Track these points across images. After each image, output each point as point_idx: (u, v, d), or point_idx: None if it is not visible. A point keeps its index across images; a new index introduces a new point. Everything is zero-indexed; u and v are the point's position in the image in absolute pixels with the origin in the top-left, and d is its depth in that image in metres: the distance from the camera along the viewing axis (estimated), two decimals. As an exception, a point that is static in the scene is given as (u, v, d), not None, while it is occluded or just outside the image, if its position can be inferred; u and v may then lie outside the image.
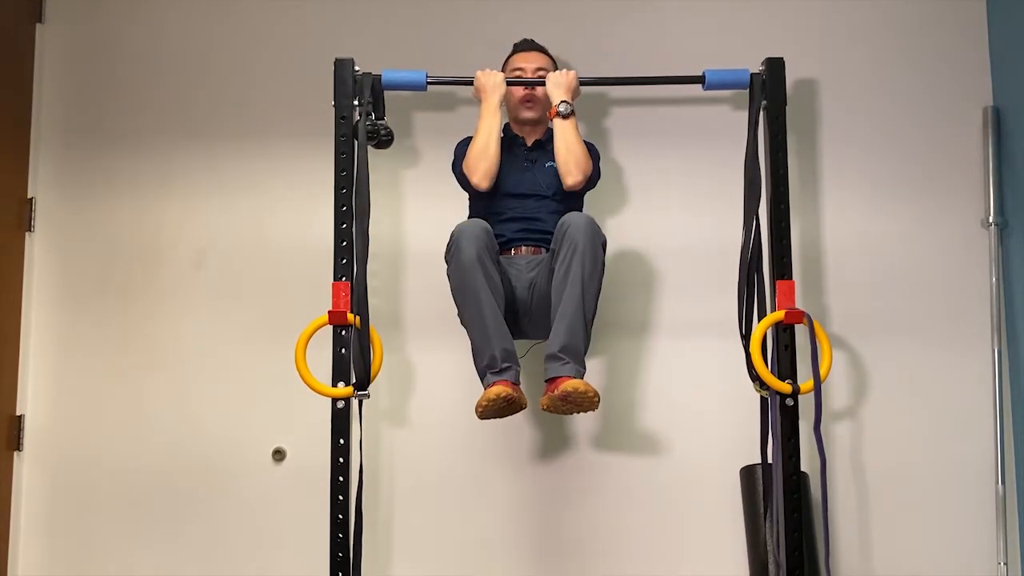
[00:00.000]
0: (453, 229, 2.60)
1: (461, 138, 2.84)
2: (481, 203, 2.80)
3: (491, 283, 2.55)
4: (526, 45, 2.89)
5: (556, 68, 2.87)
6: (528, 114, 2.82)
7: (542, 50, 2.90)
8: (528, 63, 2.83)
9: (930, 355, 3.10)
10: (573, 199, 2.81)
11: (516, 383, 2.57)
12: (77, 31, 3.32)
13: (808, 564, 2.62)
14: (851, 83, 3.21)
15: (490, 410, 2.52)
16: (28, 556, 3.13)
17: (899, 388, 3.09)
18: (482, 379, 2.59)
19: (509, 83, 2.77)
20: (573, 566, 3.06)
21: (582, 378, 2.52)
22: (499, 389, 2.49)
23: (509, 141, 2.82)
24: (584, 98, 2.89)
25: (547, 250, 2.71)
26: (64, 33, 3.32)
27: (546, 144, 2.81)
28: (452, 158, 2.85)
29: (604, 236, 2.61)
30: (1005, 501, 2.96)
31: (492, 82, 2.75)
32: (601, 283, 2.58)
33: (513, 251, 2.74)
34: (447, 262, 2.61)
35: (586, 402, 2.51)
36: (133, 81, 3.29)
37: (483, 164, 2.68)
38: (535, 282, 2.69)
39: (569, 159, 2.67)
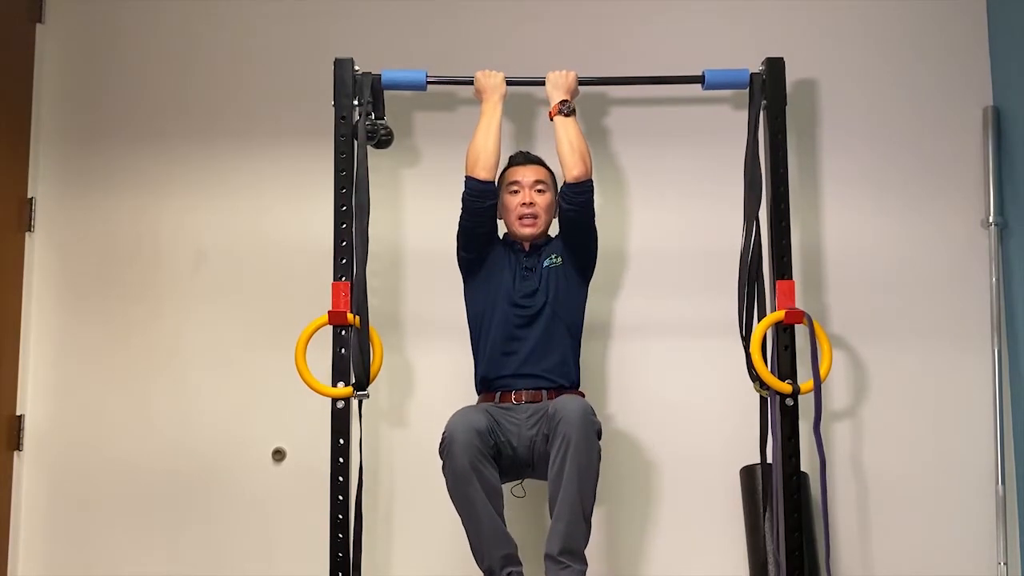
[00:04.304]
0: (446, 425, 2.51)
1: (461, 138, 2.83)
2: (480, 307, 2.74)
3: (487, 487, 2.47)
4: (522, 158, 2.83)
5: (553, 179, 2.81)
6: (527, 231, 2.74)
7: (538, 162, 2.83)
8: (525, 176, 2.77)
9: (930, 355, 3.10)
10: (572, 296, 2.74)
11: None
12: (77, 31, 3.32)
13: (808, 564, 2.62)
14: (851, 83, 3.20)
15: None
16: (28, 556, 3.13)
17: (899, 388, 3.09)
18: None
19: (509, 83, 2.76)
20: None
21: None
22: None
23: (507, 247, 2.78)
24: (584, 98, 2.89)
25: (547, 391, 2.64)
26: (64, 33, 3.32)
27: (543, 247, 2.76)
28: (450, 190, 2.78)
29: (598, 423, 2.52)
30: (1005, 501, 2.96)
31: (492, 82, 2.74)
32: (598, 474, 2.49)
33: (513, 396, 2.66)
34: (441, 457, 2.52)
35: None
36: (133, 81, 3.29)
37: (482, 159, 2.65)
38: (534, 441, 2.59)
39: (573, 152, 2.64)
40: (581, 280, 2.77)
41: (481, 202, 2.67)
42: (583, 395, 2.73)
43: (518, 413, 2.63)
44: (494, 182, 2.69)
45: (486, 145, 2.66)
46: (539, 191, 2.75)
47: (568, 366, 2.71)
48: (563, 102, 2.70)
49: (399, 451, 3.12)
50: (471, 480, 2.45)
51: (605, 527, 3.05)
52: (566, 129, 2.67)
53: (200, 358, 3.17)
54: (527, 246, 2.77)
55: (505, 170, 2.81)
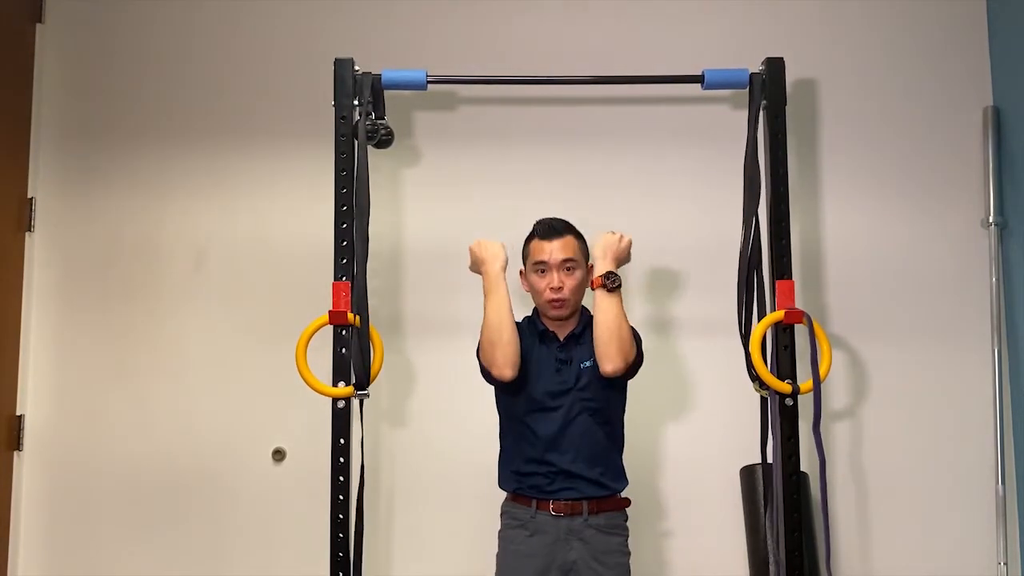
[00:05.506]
0: None
1: (461, 138, 2.83)
2: (511, 403, 2.56)
3: None
4: (545, 230, 2.52)
5: (584, 248, 2.58)
6: (557, 312, 2.52)
7: (564, 231, 2.53)
8: (552, 255, 2.50)
9: (930, 355, 3.10)
10: (612, 395, 2.56)
11: None
12: (77, 31, 3.32)
13: (808, 564, 2.62)
14: (851, 83, 3.21)
15: None
16: (28, 556, 3.13)
17: (899, 388, 3.09)
18: None
19: (510, 82, 2.72)
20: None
21: None
22: None
23: (539, 335, 2.57)
24: (583, 97, 2.89)
25: (588, 502, 2.49)
26: (64, 33, 3.32)
27: (580, 336, 2.56)
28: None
29: None
30: (1005, 501, 2.96)
31: (490, 252, 2.50)
32: None
33: (552, 507, 2.48)
34: None
35: None
36: (133, 81, 3.29)
37: (499, 353, 2.42)
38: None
39: (611, 341, 2.42)
40: (622, 383, 2.60)
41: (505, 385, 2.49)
42: (628, 504, 2.61)
43: (549, 529, 2.49)
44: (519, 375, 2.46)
45: (501, 336, 2.41)
46: (568, 270, 2.52)
47: (610, 466, 2.56)
48: (609, 275, 2.45)
49: (399, 451, 3.12)
50: None
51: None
52: (607, 310, 2.43)
53: (200, 358, 3.17)
54: (562, 336, 2.58)
55: (528, 242, 2.60)
